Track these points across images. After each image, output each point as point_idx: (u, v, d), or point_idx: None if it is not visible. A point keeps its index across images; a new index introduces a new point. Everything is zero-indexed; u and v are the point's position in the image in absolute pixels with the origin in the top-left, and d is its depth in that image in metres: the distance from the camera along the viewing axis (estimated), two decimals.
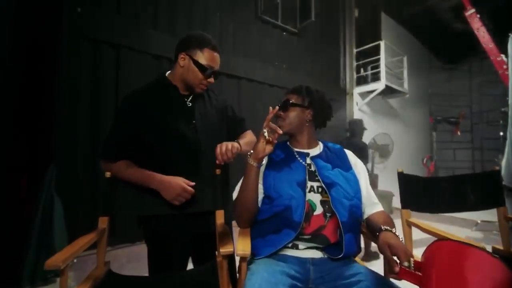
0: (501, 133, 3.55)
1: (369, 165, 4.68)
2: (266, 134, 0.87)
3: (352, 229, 0.85)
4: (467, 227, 3.58)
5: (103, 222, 0.91)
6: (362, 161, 1.05)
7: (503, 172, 3.46)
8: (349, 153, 1.05)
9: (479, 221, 3.56)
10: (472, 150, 7.14)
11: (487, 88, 6.53)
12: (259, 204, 0.92)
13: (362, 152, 2.99)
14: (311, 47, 4.99)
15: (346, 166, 0.99)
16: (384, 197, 4.22)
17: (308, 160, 0.97)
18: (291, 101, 1.03)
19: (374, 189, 0.94)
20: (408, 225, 1.02)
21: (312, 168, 0.95)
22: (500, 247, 1.03)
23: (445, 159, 7.06)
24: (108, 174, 0.96)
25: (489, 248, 1.18)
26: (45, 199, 2.09)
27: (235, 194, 0.96)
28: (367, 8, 6.07)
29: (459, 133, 5.42)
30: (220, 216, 0.96)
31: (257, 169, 0.90)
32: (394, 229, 0.75)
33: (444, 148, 7.08)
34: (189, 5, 3.44)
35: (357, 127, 3.40)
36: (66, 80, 2.46)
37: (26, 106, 2.19)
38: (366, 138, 5.03)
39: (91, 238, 0.80)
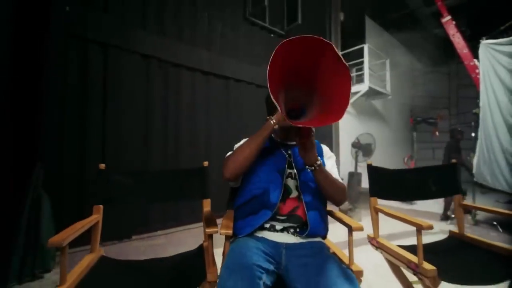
0: (473, 134, 3.79)
1: (353, 163, 4.87)
2: None
3: (316, 208, 0.97)
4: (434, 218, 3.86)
5: (97, 210, 0.97)
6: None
7: (474, 170, 3.71)
8: (324, 147, 1.16)
9: (453, 215, 3.79)
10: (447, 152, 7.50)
11: (463, 91, 6.88)
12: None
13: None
14: None
15: (320, 153, 1.09)
16: (367, 194, 4.41)
17: (290, 151, 1.07)
18: None
19: (357, 186, 1.06)
20: (375, 211, 1.15)
21: (292, 158, 1.05)
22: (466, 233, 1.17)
23: (425, 158, 7.39)
24: (102, 166, 1.03)
25: (446, 233, 1.32)
26: (33, 197, 2.10)
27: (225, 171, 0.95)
28: (352, 12, 6.27)
29: (437, 133, 5.70)
30: (207, 204, 1.05)
31: (272, 131, 0.95)
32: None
33: (424, 148, 7.41)
34: (178, 5, 3.48)
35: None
36: (54, 78, 2.46)
37: (14, 105, 2.20)
38: (351, 137, 5.23)
39: (88, 222, 0.87)
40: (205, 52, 3.71)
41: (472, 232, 1.30)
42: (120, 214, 2.78)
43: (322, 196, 1.01)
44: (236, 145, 1.06)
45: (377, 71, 6.44)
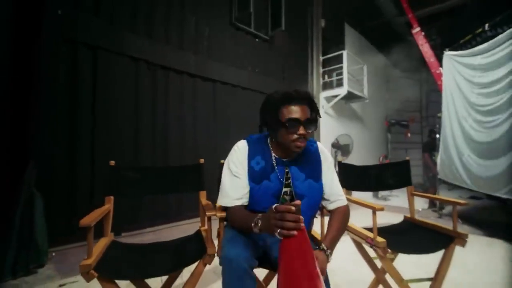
0: (438, 135, 4.21)
1: (332, 163, 5.19)
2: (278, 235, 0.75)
3: (305, 215, 0.90)
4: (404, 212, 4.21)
5: (108, 201, 1.13)
6: None
7: (438, 168, 4.13)
8: (322, 151, 1.12)
9: (420, 209, 4.19)
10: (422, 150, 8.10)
11: (433, 96, 7.46)
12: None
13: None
14: (282, 54, 5.36)
15: (318, 173, 1.06)
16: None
17: (287, 168, 1.04)
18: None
19: None
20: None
21: (288, 175, 1.02)
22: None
23: (398, 158, 7.92)
24: (112, 162, 1.18)
25: (401, 217, 1.59)
26: (26, 195, 2.18)
27: (222, 201, 1.02)
28: (332, 20, 6.61)
29: (409, 135, 6.16)
30: (203, 195, 1.24)
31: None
32: (328, 249, 0.91)
33: (397, 148, 7.95)
34: (166, 9, 3.58)
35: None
36: (45, 79, 2.53)
37: (6, 105, 2.26)
38: (330, 138, 5.56)
39: (103, 210, 1.02)
40: (193, 55, 3.85)
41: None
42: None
43: (315, 206, 1.05)
44: (236, 149, 1.06)
45: (356, 75, 6.83)
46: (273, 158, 1.04)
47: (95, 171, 2.85)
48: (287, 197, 1.00)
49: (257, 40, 4.96)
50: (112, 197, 1.14)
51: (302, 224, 0.73)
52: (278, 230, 0.73)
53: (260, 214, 0.85)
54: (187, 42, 3.81)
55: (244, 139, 1.10)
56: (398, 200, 5.38)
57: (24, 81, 2.41)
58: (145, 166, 3.08)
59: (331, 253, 0.90)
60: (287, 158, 1.05)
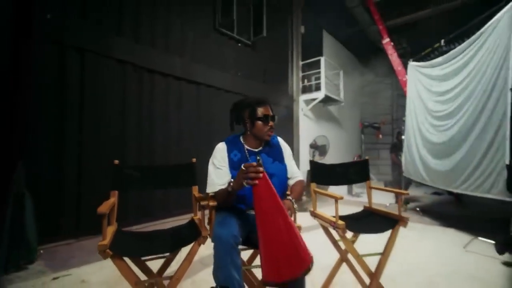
0: (403, 137, 4.67)
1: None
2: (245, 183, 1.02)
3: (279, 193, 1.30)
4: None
5: (113, 194, 1.31)
6: None
7: (403, 167, 4.58)
8: (282, 143, 1.47)
9: (388, 204, 4.61)
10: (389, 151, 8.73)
11: (401, 100, 8.08)
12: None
13: None
14: (264, 58, 5.62)
15: (281, 157, 1.41)
16: (322, 188, 5.09)
17: (259, 156, 1.31)
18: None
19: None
20: (314, 192, 1.66)
21: (259, 161, 1.24)
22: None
23: (371, 158, 8.49)
24: (116, 162, 1.37)
25: (361, 207, 1.90)
26: (16, 195, 2.25)
27: (210, 189, 1.28)
28: (312, 27, 6.97)
29: (380, 136, 6.65)
30: (195, 189, 1.46)
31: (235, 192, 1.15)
32: (293, 198, 1.26)
33: (370, 149, 8.52)
34: (152, 14, 3.71)
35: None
36: (34, 82, 2.60)
37: None
38: (309, 139, 5.91)
39: (110, 202, 1.20)
40: (178, 59, 4.00)
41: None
42: (96, 211, 2.97)
43: (284, 186, 1.39)
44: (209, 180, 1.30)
45: (333, 80, 7.26)
46: (246, 150, 1.36)
47: (82, 172, 2.94)
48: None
49: (239, 45, 5.17)
50: (116, 192, 1.31)
51: (262, 174, 1.02)
52: (245, 181, 1.02)
53: (230, 183, 1.16)
54: (172, 45, 3.95)
55: (222, 141, 1.41)
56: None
57: (13, 83, 2.47)
58: (145, 165, 3.25)
59: (295, 202, 1.25)
60: (258, 148, 1.38)
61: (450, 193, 4.64)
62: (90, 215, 2.98)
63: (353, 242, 1.65)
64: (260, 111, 1.33)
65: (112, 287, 1.96)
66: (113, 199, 1.27)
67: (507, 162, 2.60)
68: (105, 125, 3.15)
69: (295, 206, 1.24)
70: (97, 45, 3.08)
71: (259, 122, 1.32)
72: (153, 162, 3.58)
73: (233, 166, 1.31)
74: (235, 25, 4.87)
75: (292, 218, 1.11)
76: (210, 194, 1.28)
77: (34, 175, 2.48)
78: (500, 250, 2.55)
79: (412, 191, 5.74)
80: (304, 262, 0.98)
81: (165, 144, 3.79)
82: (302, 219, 1.61)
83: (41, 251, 2.57)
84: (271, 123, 1.34)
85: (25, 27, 2.49)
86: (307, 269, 1.00)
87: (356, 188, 6.02)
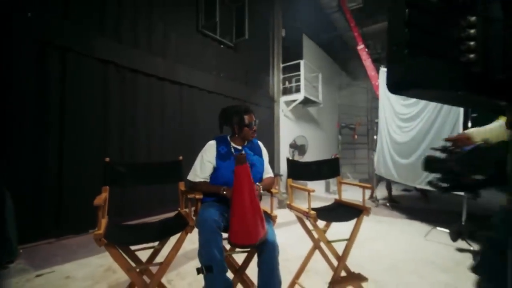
0: (375, 137, 5.02)
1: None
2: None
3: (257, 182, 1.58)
4: None
5: (105, 190, 1.40)
6: None
7: (375, 165, 4.92)
8: (261, 144, 1.75)
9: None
10: (368, 150, 9.20)
11: (376, 103, 8.58)
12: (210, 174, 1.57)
13: None
14: (246, 60, 5.76)
15: (260, 153, 1.70)
16: (302, 184, 5.34)
17: (242, 151, 1.59)
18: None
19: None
20: (290, 187, 1.85)
21: (244, 154, 1.56)
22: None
23: (348, 157, 8.98)
24: (107, 159, 1.46)
25: (332, 200, 2.11)
26: None
27: (191, 176, 1.53)
28: (292, 30, 7.22)
29: (356, 137, 7.04)
30: (182, 185, 1.59)
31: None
32: (261, 186, 1.54)
33: (347, 148, 8.96)
34: (134, 14, 3.73)
35: None
36: (14, 80, 2.58)
37: None
38: (289, 139, 6.13)
39: (102, 197, 1.29)
40: (161, 59, 4.05)
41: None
42: (79, 210, 2.99)
43: (260, 175, 1.65)
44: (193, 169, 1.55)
45: (312, 82, 7.56)
46: (232, 147, 1.62)
47: (63, 171, 2.93)
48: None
49: (222, 46, 5.29)
50: (107, 187, 1.41)
51: (246, 163, 1.31)
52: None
53: (223, 187, 1.45)
54: (155, 46, 3.99)
55: (213, 139, 1.65)
56: (346, 193, 6.15)
57: None
58: (134, 161, 3.31)
59: (261, 188, 1.54)
60: (241, 145, 1.65)
61: (416, 189, 5.04)
62: (71, 214, 2.99)
63: (325, 231, 1.85)
64: (246, 119, 1.59)
65: (98, 282, 2.03)
66: (105, 194, 1.36)
67: None
68: (86, 125, 3.15)
69: (261, 191, 1.55)
70: (79, 44, 3.08)
71: (246, 128, 1.59)
72: (135, 161, 3.60)
73: (220, 157, 1.56)
74: (218, 27, 4.98)
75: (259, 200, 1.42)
76: (190, 184, 1.52)
77: (14, 174, 2.48)
78: (454, 238, 2.89)
79: (383, 187, 6.13)
80: (258, 235, 1.27)
81: (147, 143, 3.82)
82: (281, 214, 1.81)
83: (21, 251, 2.55)
84: (254, 127, 1.62)
85: (5, 25, 2.47)
86: (261, 241, 1.29)
87: (333, 186, 6.32)
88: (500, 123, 1.15)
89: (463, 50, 0.37)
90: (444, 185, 0.91)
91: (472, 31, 0.37)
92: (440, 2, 0.35)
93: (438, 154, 0.99)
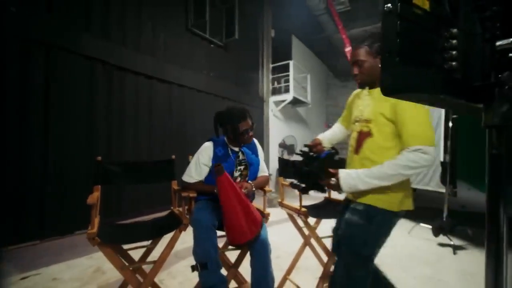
0: None
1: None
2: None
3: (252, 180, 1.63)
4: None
5: (97, 189, 1.39)
6: None
7: None
8: (257, 144, 1.78)
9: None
10: None
11: None
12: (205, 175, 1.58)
13: None
14: (236, 60, 5.76)
15: (257, 153, 1.73)
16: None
17: (240, 155, 1.64)
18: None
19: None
20: (281, 185, 1.90)
21: (241, 157, 1.63)
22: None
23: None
24: (98, 158, 1.44)
25: (322, 198, 2.18)
26: None
27: (186, 178, 1.53)
28: (281, 31, 7.29)
29: None
30: (174, 183, 1.60)
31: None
32: (253, 184, 1.57)
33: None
34: (122, 12, 3.66)
35: None
36: None
37: None
38: (278, 139, 6.20)
39: (95, 196, 1.28)
40: (149, 58, 3.99)
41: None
42: (64, 211, 2.92)
43: (256, 173, 1.70)
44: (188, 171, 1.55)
45: (301, 83, 7.66)
46: (229, 149, 1.62)
47: (47, 171, 2.85)
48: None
49: (212, 46, 5.27)
50: (99, 186, 1.39)
51: (224, 172, 1.34)
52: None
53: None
54: (143, 44, 3.93)
55: (209, 140, 1.64)
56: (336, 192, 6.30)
57: None
58: (126, 161, 3.20)
59: (253, 186, 1.56)
60: (238, 147, 1.67)
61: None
62: (55, 216, 2.90)
63: (315, 228, 1.90)
64: (241, 128, 1.54)
65: (87, 283, 2.00)
66: (97, 193, 1.35)
67: (441, 159, 3.08)
68: (72, 123, 3.06)
69: (254, 189, 1.58)
70: (64, 41, 2.99)
71: (241, 137, 1.57)
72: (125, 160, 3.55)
73: (217, 159, 1.56)
74: (208, 26, 4.96)
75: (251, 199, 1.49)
76: (183, 184, 1.53)
77: None
78: (436, 233, 3.03)
79: None
80: (253, 231, 1.34)
81: (135, 142, 3.77)
82: (273, 213, 1.86)
83: (3, 253, 2.48)
84: (251, 133, 1.59)
85: None
86: (255, 236, 1.36)
87: None
88: (337, 126, 1.49)
89: (446, 58, 0.42)
90: (303, 185, 1.13)
91: (454, 41, 0.42)
92: (427, 15, 0.40)
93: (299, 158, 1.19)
